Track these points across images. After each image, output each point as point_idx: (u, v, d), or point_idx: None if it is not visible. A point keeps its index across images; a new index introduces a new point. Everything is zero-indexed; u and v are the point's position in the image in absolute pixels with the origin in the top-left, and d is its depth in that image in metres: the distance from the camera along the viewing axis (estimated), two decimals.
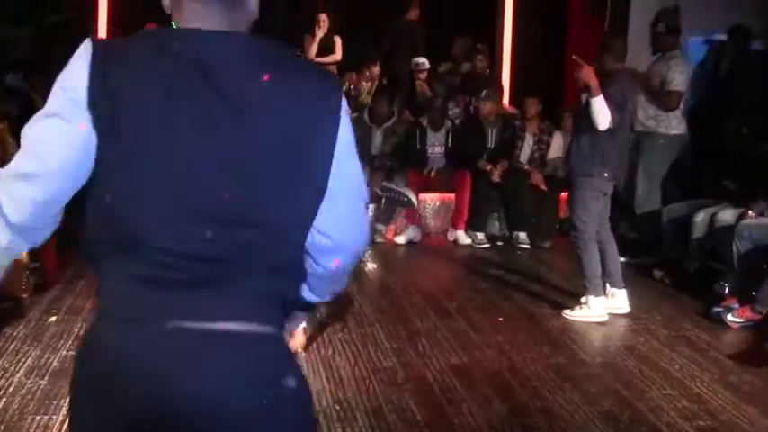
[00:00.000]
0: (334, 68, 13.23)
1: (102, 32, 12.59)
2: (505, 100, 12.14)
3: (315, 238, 2.19)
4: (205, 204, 2.05)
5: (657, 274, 8.70)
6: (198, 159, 2.03)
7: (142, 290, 2.07)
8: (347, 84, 12.71)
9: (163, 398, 2.07)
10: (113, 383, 2.08)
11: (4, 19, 10.82)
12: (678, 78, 9.04)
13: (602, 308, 7.21)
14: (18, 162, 2.10)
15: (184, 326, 2.07)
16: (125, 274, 2.09)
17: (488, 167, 10.47)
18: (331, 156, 2.14)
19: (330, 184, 2.14)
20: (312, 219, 2.16)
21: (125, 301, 2.10)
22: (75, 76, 2.08)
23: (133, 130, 2.02)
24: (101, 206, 2.11)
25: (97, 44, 2.13)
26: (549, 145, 10.81)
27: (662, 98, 9.03)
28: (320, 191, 2.14)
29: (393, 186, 7.48)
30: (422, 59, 12.74)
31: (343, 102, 2.18)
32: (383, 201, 7.42)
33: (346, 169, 2.18)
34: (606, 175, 7.12)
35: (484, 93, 10.87)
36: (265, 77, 2.06)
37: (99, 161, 2.07)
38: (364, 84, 12.51)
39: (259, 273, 2.12)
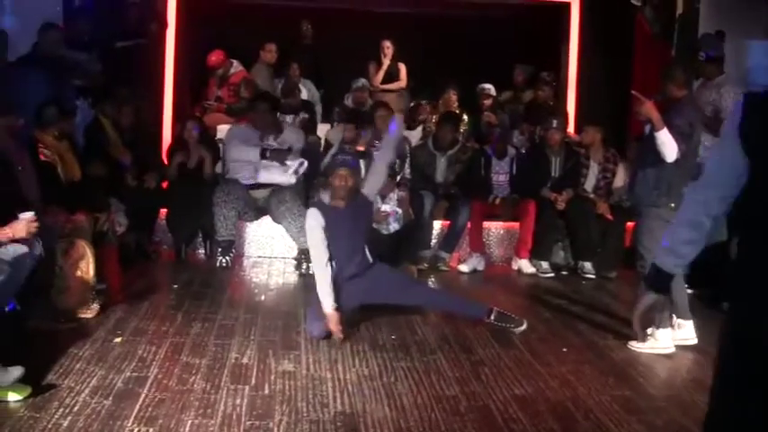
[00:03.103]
0: (403, 96, 13.27)
1: (170, 60, 12.74)
2: (570, 129, 12.08)
3: None
4: None
5: (725, 305, 8.55)
6: None
7: None
8: (421, 115, 12.72)
9: None
10: None
11: (74, 43, 10.94)
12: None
13: (669, 339, 7.11)
14: None
15: None
16: None
17: (553, 196, 10.40)
18: None
19: None
20: None
21: None
22: None
23: None
24: None
25: None
26: (614, 174, 10.73)
27: (717, 127, 8.93)
28: None
29: (503, 311, 7.56)
30: (488, 85, 12.71)
31: None
32: (492, 315, 7.46)
33: None
34: (673, 205, 7.03)
35: (554, 122, 10.76)
36: None
37: None
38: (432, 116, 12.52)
39: None
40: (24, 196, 7.63)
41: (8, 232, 6.01)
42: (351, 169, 7.47)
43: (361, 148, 10.25)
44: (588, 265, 10.23)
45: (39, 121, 8.75)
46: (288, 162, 10.27)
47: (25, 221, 6.13)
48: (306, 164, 10.39)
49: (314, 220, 7.26)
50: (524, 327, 7.51)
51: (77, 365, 6.22)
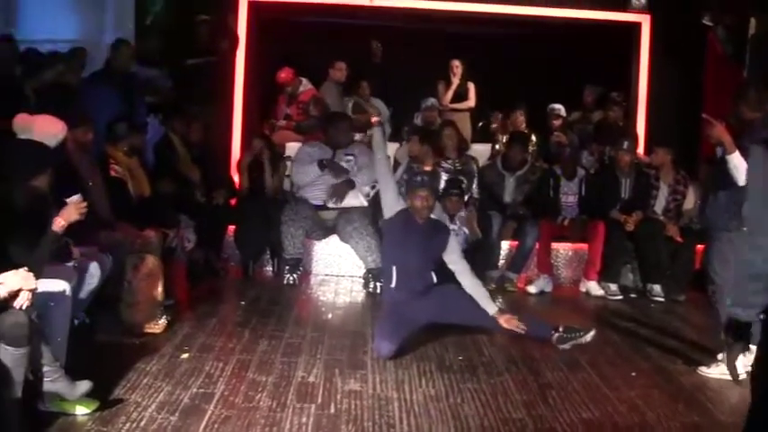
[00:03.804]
0: (468, 115, 13.28)
1: (239, 77, 12.83)
2: (640, 150, 11.98)
3: None
4: None
5: None
6: None
7: None
8: (493, 123, 12.75)
9: None
10: None
11: (145, 60, 11.09)
12: None
13: (740, 365, 7.01)
14: None
15: None
16: None
17: (622, 218, 10.32)
18: None
19: None
20: None
21: None
22: None
23: None
24: None
25: None
26: (684, 195, 10.62)
27: None
28: None
29: (574, 326, 7.60)
30: (558, 105, 12.65)
31: None
32: (560, 328, 7.52)
33: None
34: (745, 229, 6.94)
35: (625, 144, 10.65)
36: None
37: None
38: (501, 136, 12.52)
39: None
40: (94, 212, 7.71)
41: (60, 221, 6.03)
42: (430, 189, 7.55)
43: (428, 168, 10.23)
44: (657, 288, 10.11)
45: (110, 137, 8.84)
46: (365, 188, 10.30)
47: (73, 205, 6.12)
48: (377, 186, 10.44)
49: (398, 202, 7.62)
50: (593, 332, 7.46)
51: (144, 380, 6.26)
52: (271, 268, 10.60)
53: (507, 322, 7.38)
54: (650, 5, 13.27)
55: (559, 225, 10.61)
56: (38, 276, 5.24)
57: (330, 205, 10.25)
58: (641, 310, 9.60)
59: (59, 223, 5.98)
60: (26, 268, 5.18)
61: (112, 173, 8.59)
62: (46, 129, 7.05)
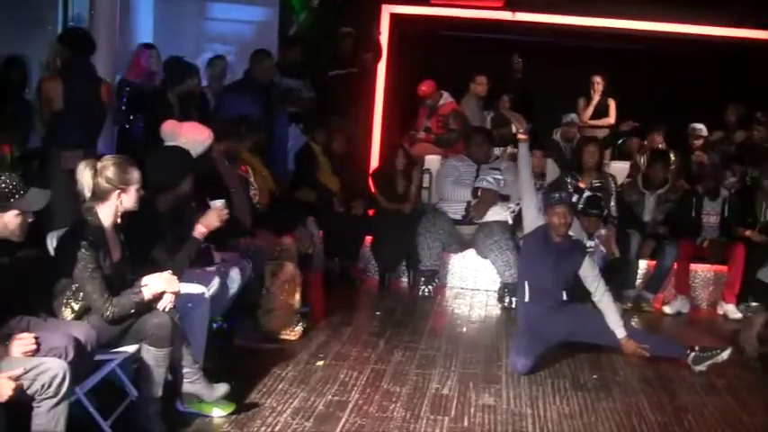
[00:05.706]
0: (608, 131, 13.12)
1: (380, 89, 12.92)
2: None
3: None
4: None
5: None
6: None
7: None
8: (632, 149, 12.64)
9: None
10: None
11: (288, 71, 11.22)
12: None
13: None
14: None
15: None
16: None
17: (760, 238, 10.09)
18: None
19: None
20: None
21: None
22: None
23: None
24: None
25: None
26: None
27: None
28: None
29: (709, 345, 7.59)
30: (699, 125, 12.42)
31: None
32: (696, 348, 7.50)
33: None
34: None
35: None
36: None
37: None
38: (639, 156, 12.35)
39: None
40: (236, 218, 7.84)
41: (202, 228, 6.13)
42: (568, 206, 7.50)
43: (583, 185, 10.08)
44: None
45: (235, 137, 8.97)
46: (509, 205, 10.25)
47: (215, 211, 6.23)
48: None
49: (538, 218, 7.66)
50: (730, 350, 7.45)
51: (280, 386, 6.36)
52: (406, 279, 10.64)
53: (629, 349, 7.50)
54: None
55: (699, 246, 10.43)
56: (179, 279, 5.37)
57: (476, 221, 10.25)
58: None
59: (200, 230, 6.10)
60: (170, 271, 5.31)
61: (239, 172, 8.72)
62: (192, 135, 7.22)
